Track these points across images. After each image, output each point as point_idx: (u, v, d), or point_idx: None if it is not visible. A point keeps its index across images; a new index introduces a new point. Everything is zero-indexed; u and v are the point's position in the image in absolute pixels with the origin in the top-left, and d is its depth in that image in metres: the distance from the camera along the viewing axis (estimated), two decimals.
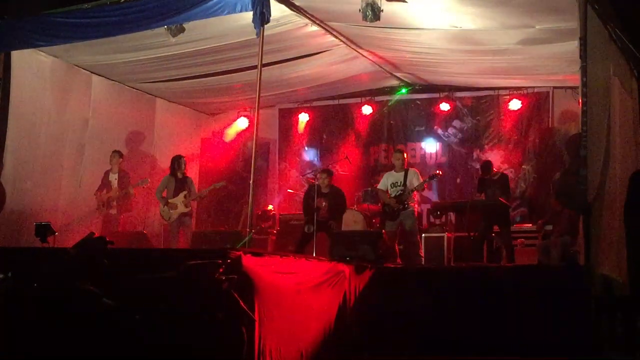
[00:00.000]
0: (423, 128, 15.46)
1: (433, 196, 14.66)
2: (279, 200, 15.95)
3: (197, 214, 15.57)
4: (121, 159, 13.61)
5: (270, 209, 15.19)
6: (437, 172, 13.08)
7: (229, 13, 9.67)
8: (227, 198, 15.56)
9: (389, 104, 15.62)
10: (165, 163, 14.94)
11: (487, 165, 12.85)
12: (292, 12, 10.62)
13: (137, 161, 14.67)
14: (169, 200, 13.14)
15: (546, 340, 8.23)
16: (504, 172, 13.38)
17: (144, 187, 13.78)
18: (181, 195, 13.08)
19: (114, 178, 13.47)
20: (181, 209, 13.09)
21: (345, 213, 13.09)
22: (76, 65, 13.20)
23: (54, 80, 12.86)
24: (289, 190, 15.55)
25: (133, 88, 14.58)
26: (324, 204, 12.65)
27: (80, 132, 13.51)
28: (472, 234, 12.31)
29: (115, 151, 13.62)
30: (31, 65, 12.41)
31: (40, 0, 11.61)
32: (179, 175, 13.22)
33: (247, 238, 9.89)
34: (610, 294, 8.75)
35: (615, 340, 8.47)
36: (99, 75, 13.70)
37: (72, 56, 12.70)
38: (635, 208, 8.85)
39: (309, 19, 11.02)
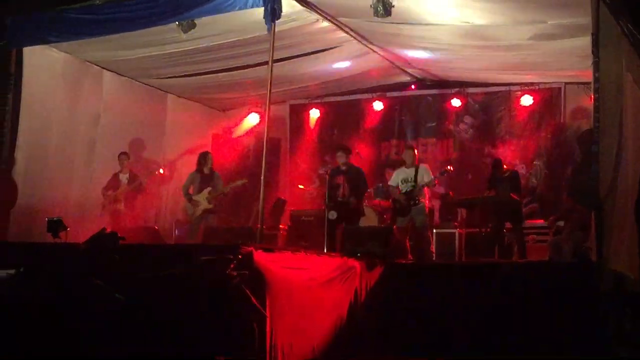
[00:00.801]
0: (434, 124, 15.45)
1: (443, 191, 14.62)
2: (290, 195, 15.93)
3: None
4: (129, 160, 13.66)
5: (284, 200, 15.18)
6: (448, 167, 13.07)
7: (240, 9, 9.69)
8: (239, 194, 15.57)
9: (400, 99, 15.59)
10: (176, 158, 15.06)
11: (497, 163, 12.84)
12: (303, 8, 10.60)
13: (145, 164, 14.71)
14: (193, 197, 13.23)
15: (557, 336, 8.21)
16: (515, 169, 13.35)
17: (154, 181, 13.84)
18: (205, 191, 13.17)
19: (124, 178, 13.54)
20: (204, 205, 13.17)
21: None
22: (88, 61, 13.22)
23: (65, 76, 12.88)
24: (299, 186, 15.54)
25: (144, 84, 14.58)
26: (343, 181, 12.67)
27: (91, 127, 13.52)
28: (483, 229, 12.30)
29: (123, 153, 13.67)
30: (43, 61, 12.41)
31: None
32: (205, 171, 13.27)
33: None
34: (621, 290, 8.72)
35: (626, 337, 8.44)
36: (111, 71, 13.71)
37: (83, 52, 12.72)
38: None
39: (320, 14, 11.00)
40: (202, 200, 13.14)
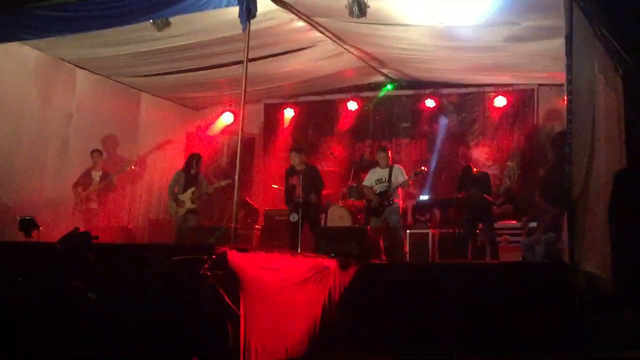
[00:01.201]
0: (408, 124, 15.49)
1: (417, 192, 14.67)
2: (264, 195, 15.91)
3: None
4: (101, 157, 13.56)
5: (253, 202, 15.16)
6: (422, 168, 13.12)
7: (215, 8, 9.64)
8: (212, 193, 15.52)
9: (375, 100, 15.64)
10: (149, 157, 15.02)
11: (467, 170, 12.92)
12: (278, 7, 10.58)
13: (118, 161, 14.60)
14: (178, 196, 13.22)
15: (530, 336, 8.25)
16: (485, 170, 13.43)
17: (127, 178, 13.78)
18: (189, 191, 13.15)
19: (96, 176, 13.42)
20: (188, 205, 13.18)
21: (330, 208, 13.12)
22: (61, 59, 13.11)
23: (38, 73, 12.78)
24: (273, 185, 15.53)
25: (118, 82, 14.49)
26: (297, 181, 12.72)
27: (64, 126, 13.43)
28: (456, 230, 12.35)
29: (95, 150, 13.58)
30: (15, 58, 12.30)
31: None
32: (192, 172, 13.25)
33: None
34: (594, 290, 8.78)
35: (600, 337, 8.49)
36: (84, 69, 13.61)
37: (56, 50, 12.62)
38: (620, 206, 8.89)
39: (295, 14, 10.99)
40: (186, 200, 13.14)
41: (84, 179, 13.36)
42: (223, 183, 13.65)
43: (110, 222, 13.41)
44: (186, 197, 13.15)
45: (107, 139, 14.46)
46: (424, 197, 14.46)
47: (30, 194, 12.53)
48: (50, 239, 8.32)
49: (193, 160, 13.51)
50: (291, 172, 13.01)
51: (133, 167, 14.06)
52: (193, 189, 13.14)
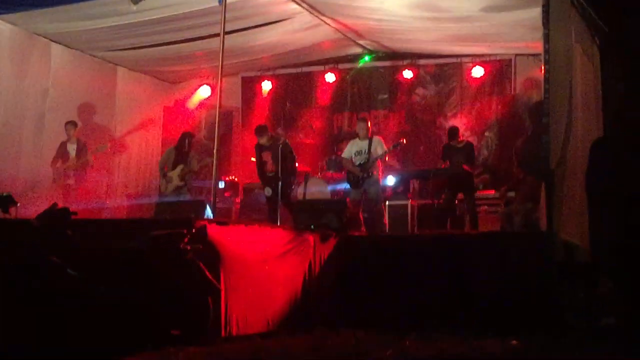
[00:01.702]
0: (386, 96, 15.49)
1: (396, 163, 14.70)
2: (242, 168, 15.89)
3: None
4: (76, 129, 13.43)
5: (234, 179, 15.13)
6: (402, 140, 13.10)
7: None
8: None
9: (352, 71, 15.62)
10: (126, 132, 14.97)
11: (453, 130, 12.93)
12: None
13: (95, 131, 14.49)
14: (167, 173, 13.21)
15: (509, 306, 8.30)
16: (468, 139, 13.46)
17: (104, 153, 13.70)
18: (178, 168, 13.09)
19: (72, 149, 13.28)
20: (176, 182, 13.11)
21: (309, 180, 13.13)
22: (35, 34, 12.96)
23: (12, 48, 12.64)
24: (252, 159, 15.49)
25: (94, 56, 14.37)
26: (268, 157, 12.72)
27: (40, 101, 13.32)
28: (435, 201, 12.39)
29: (69, 122, 13.42)
30: None
31: None
32: (184, 150, 13.20)
33: None
34: (572, 260, 8.85)
35: (577, 305, 8.57)
36: (59, 43, 13.48)
37: (31, 24, 12.48)
38: (596, 175, 8.93)
39: None
40: (174, 176, 13.11)
41: (61, 153, 13.23)
42: (209, 160, 13.62)
43: (87, 198, 13.30)
44: (175, 174, 13.12)
45: (83, 107, 14.33)
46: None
47: (7, 170, 12.45)
48: (28, 215, 8.28)
49: (185, 138, 13.43)
50: (261, 147, 12.96)
51: (108, 147, 13.89)
52: (182, 166, 13.10)
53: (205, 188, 13.89)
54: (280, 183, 12.09)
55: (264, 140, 12.88)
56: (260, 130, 13.11)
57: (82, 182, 13.33)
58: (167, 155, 13.59)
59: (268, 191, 12.42)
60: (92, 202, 13.22)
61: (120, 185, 14.93)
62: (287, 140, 13.04)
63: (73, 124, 13.39)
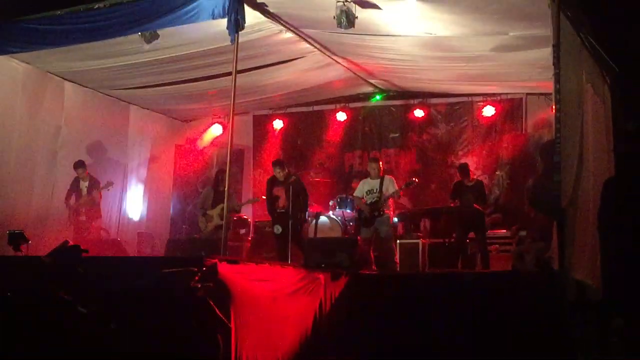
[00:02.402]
0: (398, 134, 15.51)
1: (408, 202, 14.67)
2: (254, 206, 15.90)
3: (173, 221, 15.52)
4: (85, 168, 13.35)
5: (245, 217, 15.13)
6: (414, 179, 13.08)
7: (203, 20, 9.66)
8: None
9: (365, 110, 15.66)
10: (138, 169, 15.02)
11: (464, 167, 12.89)
12: (266, 18, 10.60)
13: (108, 168, 14.55)
14: (207, 212, 13.34)
15: (521, 345, 8.25)
16: (480, 178, 13.44)
17: (109, 191, 13.74)
18: (218, 207, 13.14)
19: (84, 186, 13.36)
20: (216, 221, 13.21)
21: (320, 218, 13.12)
22: (49, 72, 13.09)
23: (26, 87, 12.75)
24: (263, 197, 15.49)
25: (106, 95, 14.48)
26: (281, 193, 12.67)
27: (52, 139, 13.40)
28: (446, 240, 12.35)
29: (77, 162, 13.30)
30: (3, 71, 12.30)
31: (12, 5, 11.49)
32: (221, 188, 13.24)
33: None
34: (584, 298, 8.80)
35: (589, 345, 8.51)
36: (72, 82, 13.59)
37: (45, 63, 12.59)
38: (609, 214, 8.92)
39: (284, 25, 11.01)
40: (215, 215, 13.20)
41: (74, 190, 13.29)
42: (252, 200, 14.13)
43: (99, 234, 13.35)
44: (215, 212, 13.25)
45: (93, 145, 14.42)
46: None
47: (19, 207, 12.49)
48: (40, 252, 8.30)
49: (219, 177, 13.48)
50: (273, 182, 12.96)
51: (110, 189, 13.82)
52: (222, 204, 13.14)
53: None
54: (290, 220, 12.09)
55: (280, 175, 12.86)
56: (279, 163, 13.12)
57: (92, 220, 13.34)
58: (205, 194, 13.74)
59: (277, 229, 12.40)
60: (104, 239, 13.24)
61: (132, 222, 14.93)
62: (299, 178, 13.07)
63: (80, 164, 13.38)
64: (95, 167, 13.90)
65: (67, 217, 13.19)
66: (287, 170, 13.03)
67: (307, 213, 12.91)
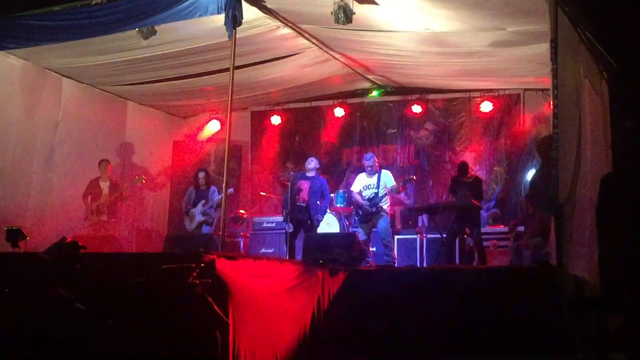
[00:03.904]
0: (395, 130, 15.51)
1: (406, 198, 14.67)
2: (252, 203, 15.92)
3: (170, 217, 15.52)
4: (109, 167, 13.70)
5: (243, 212, 15.13)
6: (412, 177, 13.10)
7: (200, 16, 9.66)
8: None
9: (366, 101, 15.64)
10: (136, 167, 15.04)
11: (463, 166, 12.88)
12: (264, 14, 10.60)
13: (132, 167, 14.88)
14: (190, 210, 13.60)
15: (518, 341, 8.25)
16: (477, 174, 13.45)
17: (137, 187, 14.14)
18: (200, 205, 13.31)
19: (105, 186, 13.51)
20: (199, 218, 13.42)
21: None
22: (47, 68, 13.09)
23: (23, 83, 12.75)
24: (261, 193, 15.50)
25: (104, 91, 14.49)
26: (305, 185, 12.76)
27: (50, 135, 13.39)
28: (444, 235, 12.37)
29: (103, 160, 13.71)
30: (0, 67, 12.29)
31: (9, 1, 11.48)
32: (202, 186, 13.40)
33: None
34: (581, 294, 8.80)
35: (587, 341, 8.51)
36: (70, 78, 13.60)
37: (42, 59, 12.60)
38: (606, 210, 8.90)
39: (281, 21, 11.01)
40: (197, 213, 13.33)
41: (93, 189, 13.41)
42: (137, 180, 14.14)
43: (97, 231, 13.34)
44: (196, 210, 13.42)
45: (121, 147, 14.87)
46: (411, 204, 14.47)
47: (17, 204, 12.48)
48: (38, 248, 8.29)
49: (197, 175, 13.82)
50: (299, 175, 13.17)
51: (144, 181, 14.15)
52: (203, 201, 13.31)
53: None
54: (310, 215, 12.49)
55: (311, 166, 13.07)
56: (319, 161, 13.38)
57: (114, 218, 13.66)
58: (188, 194, 13.94)
59: (289, 227, 12.40)
60: (101, 235, 13.23)
61: (129, 219, 14.93)
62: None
63: (107, 162, 13.63)
64: (117, 168, 14.23)
65: (85, 218, 13.33)
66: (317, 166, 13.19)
67: (323, 214, 12.99)
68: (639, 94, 11.90)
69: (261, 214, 15.04)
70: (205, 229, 13.50)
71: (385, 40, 11.65)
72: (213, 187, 13.80)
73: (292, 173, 13.65)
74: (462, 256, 12.35)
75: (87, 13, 10.53)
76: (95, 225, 13.29)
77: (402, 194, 14.17)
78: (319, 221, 12.75)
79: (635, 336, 8.17)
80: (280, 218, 13.45)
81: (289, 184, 12.70)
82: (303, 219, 12.47)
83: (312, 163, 13.13)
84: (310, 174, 12.99)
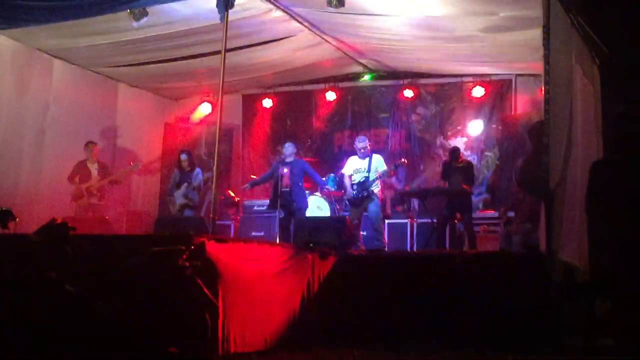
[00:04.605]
0: (387, 115, 15.50)
1: (397, 183, 14.68)
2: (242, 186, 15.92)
3: (161, 199, 15.49)
4: (95, 149, 13.66)
5: (234, 196, 15.12)
6: (403, 160, 13.09)
7: None
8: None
9: (358, 85, 15.62)
10: (127, 150, 15.01)
11: (455, 151, 12.89)
12: None
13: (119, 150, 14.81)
14: (174, 193, 13.56)
15: (507, 326, 8.28)
16: (469, 159, 13.46)
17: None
18: (182, 187, 13.26)
19: (93, 168, 13.50)
20: (180, 200, 13.33)
21: (309, 198, 13.14)
22: (37, 49, 13.01)
23: (14, 64, 12.69)
24: (252, 176, 15.49)
25: (95, 72, 14.41)
26: (285, 170, 12.73)
27: (40, 117, 13.34)
28: (434, 220, 12.39)
29: (90, 142, 13.66)
30: None
31: None
32: (185, 168, 13.35)
33: None
34: (570, 280, 8.83)
35: (576, 326, 8.55)
36: (61, 59, 13.52)
37: (33, 40, 12.52)
38: (596, 197, 8.94)
39: (273, 4, 10.98)
40: (179, 196, 13.21)
41: (81, 171, 13.38)
42: (133, 166, 14.21)
43: (87, 213, 13.32)
44: (179, 193, 13.30)
45: (111, 129, 14.81)
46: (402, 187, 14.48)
47: (7, 185, 12.45)
48: (27, 230, 8.27)
49: (180, 157, 13.75)
50: (281, 162, 13.07)
51: (140, 167, 14.24)
52: (185, 184, 13.25)
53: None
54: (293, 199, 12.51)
55: (289, 152, 13.09)
56: (293, 144, 13.38)
57: (105, 201, 13.73)
58: (173, 177, 13.87)
59: (280, 213, 12.41)
60: (91, 217, 13.21)
61: (119, 202, 14.92)
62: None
63: (93, 144, 13.62)
64: (103, 151, 14.16)
65: (73, 200, 13.31)
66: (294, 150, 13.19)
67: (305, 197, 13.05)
68: (631, 80, 11.94)
69: (252, 197, 15.02)
70: (188, 213, 13.42)
71: (377, 24, 11.62)
72: (197, 169, 13.75)
73: (273, 163, 13.62)
74: (453, 241, 12.38)
75: None
76: (86, 207, 13.26)
77: (393, 179, 14.18)
78: (302, 207, 12.75)
79: (623, 322, 8.22)
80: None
81: (273, 173, 12.82)
82: (288, 203, 12.46)
83: (289, 148, 13.13)
84: (289, 159, 12.97)
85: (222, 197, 14.57)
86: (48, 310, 6.29)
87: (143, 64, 13.80)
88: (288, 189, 12.58)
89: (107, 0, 10.27)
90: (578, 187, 9.39)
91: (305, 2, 10.94)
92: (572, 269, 8.95)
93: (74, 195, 13.35)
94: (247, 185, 13.93)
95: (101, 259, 7.11)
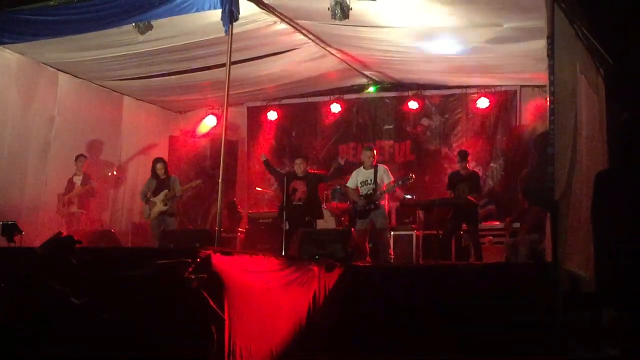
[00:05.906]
0: (392, 126, 15.50)
1: (402, 194, 14.65)
2: (248, 198, 15.92)
3: None
4: (84, 162, 13.59)
5: (239, 207, 15.11)
6: (411, 175, 12.99)
7: (197, 11, 9.66)
8: (195, 196, 15.43)
9: (363, 97, 15.64)
10: (131, 161, 15.02)
11: (463, 152, 12.88)
12: (260, 10, 10.59)
13: (102, 160, 14.67)
14: (150, 199, 13.16)
15: (514, 336, 8.26)
16: (475, 170, 13.43)
17: (107, 181, 14.09)
18: (161, 194, 13.04)
19: (78, 180, 13.43)
20: (160, 207, 13.03)
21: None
22: (43, 63, 13.07)
23: (19, 77, 12.73)
24: (257, 188, 15.50)
25: (100, 86, 14.47)
26: (300, 187, 12.66)
27: (46, 130, 13.38)
28: (440, 231, 12.36)
29: (80, 155, 13.59)
30: None
31: None
32: (161, 176, 13.18)
33: None
34: (576, 290, 8.82)
35: (581, 336, 8.53)
36: (66, 72, 13.58)
37: (38, 53, 12.57)
38: (601, 206, 8.92)
39: (278, 17, 11.00)
40: (158, 202, 13.04)
41: (69, 187, 13.37)
42: (193, 184, 13.75)
43: (93, 226, 13.34)
44: (158, 199, 13.07)
45: (93, 144, 14.51)
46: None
47: (12, 198, 12.48)
48: (33, 243, 8.30)
49: (156, 165, 13.36)
50: (293, 177, 12.92)
51: (115, 173, 14.07)
52: (166, 191, 13.05)
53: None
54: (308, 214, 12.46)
55: (301, 169, 12.88)
56: (304, 157, 13.26)
57: (85, 210, 13.44)
58: (147, 184, 13.43)
59: (286, 225, 12.35)
60: (97, 230, 13.22)
61: (126, 214, 14.93)
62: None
63: (84, 157, 13.54)
64: (91, 164, 13.96)
65: (56, 211, 13.24)
66: (307, 165, 13.08)
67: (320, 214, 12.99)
68: (635, 90, 11.93)
69: (257, 209, 15.02)
70: (168, 220, 13.07)
71: (381, 36, 11.65)
72: (173, 177, 13.48)
73: (282, 172, 13.56)
74: (459, 252, 12.35)
75: (83, 8, 10.51)
76: (68, 217, 13.19)
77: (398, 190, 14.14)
78: (314, 220, 12.72)
79: (629, 331, 8.20)
80: (275, 213, 13.41)
81: (282, 181, 12.76)
82: (300, 217, 12.40)
83: (301, 166, 12.91)
84: (302, 174, 12.90)
85: (227, 210, 14.55)
86: (54, 323, 6.30)
87: (148, 77, 13.84)
88: (301, 203, 12.54)
89: (112, 14, 10.32)
90: (583, 197, 9.38)
91: (309, 14, 10.95)
92: (578, 279, 8.94)
93: (57, 208, 13.30)
94: (265, 157, 13.71)
95: (107, 272, 7.10)
